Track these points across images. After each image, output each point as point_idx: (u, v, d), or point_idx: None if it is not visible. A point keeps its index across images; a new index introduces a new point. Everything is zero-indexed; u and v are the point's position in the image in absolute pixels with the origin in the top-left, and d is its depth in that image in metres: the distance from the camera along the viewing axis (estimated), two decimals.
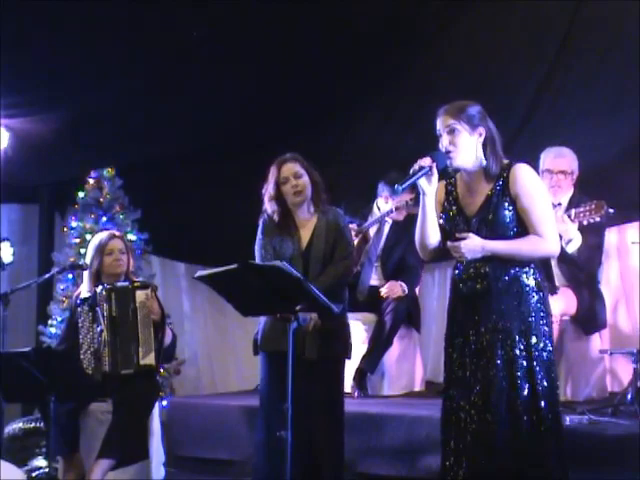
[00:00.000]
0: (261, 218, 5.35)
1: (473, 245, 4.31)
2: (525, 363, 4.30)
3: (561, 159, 6.23)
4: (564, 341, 6.33)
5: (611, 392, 6.64)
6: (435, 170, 4.36)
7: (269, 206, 5.30)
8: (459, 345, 4.40)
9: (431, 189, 4.39)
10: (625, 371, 6.54)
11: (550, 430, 4.28)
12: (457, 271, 4.47)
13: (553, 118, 6.97)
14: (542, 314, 4.39)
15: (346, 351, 5.28)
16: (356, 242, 7.03)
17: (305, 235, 5.28)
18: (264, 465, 5.13)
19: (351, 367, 7.00)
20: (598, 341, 6.53)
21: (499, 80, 6.79)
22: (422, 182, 4.37)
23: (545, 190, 4.52)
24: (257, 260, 5.23)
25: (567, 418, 5.40)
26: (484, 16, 6.75)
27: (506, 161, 4.43)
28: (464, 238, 4.31)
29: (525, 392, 4.28)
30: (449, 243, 4.37)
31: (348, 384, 6.89)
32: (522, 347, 4.31)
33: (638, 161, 6.58)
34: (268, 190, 5.29)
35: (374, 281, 7.18)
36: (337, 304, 5.04)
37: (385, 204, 7.11)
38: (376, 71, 7.07)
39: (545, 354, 4.35)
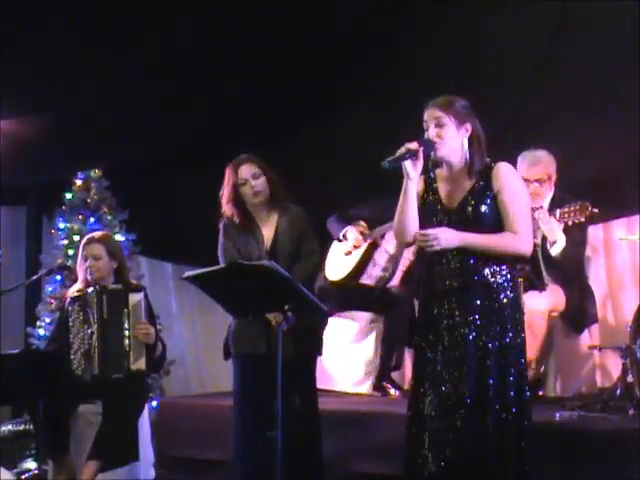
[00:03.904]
0: (221, 222, 5.32)
1: (449, 234, 4.32)
2: (497, 360, 4.31)
3: (536, 167, 6.18)
4: (553, 337, 6.34)
5: (601, 388, 6.65)
6: (421, 155, 4.35)
7: (228, 209, 5.26)
8: (432, 340, 4.41)
9: (415, 174, 4.38)
10: (614, 366, 6.55)
11: (516, 428, 4.29)
12: (431, 267, 4.47)
13: (541, 116, 6.98)
14: (516, 311, 4.42)
15: (318, 349, 5.27)
16: (365, 246, 7.02)
17: (268, 234, 5.26)
18: (248, 468, 5.11)
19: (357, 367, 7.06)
20: (587, 337, 6.54)
21: (487, 78, 6.79)
22: (407, 165, 4.35)
23: (526, 191, 4.55)
24: (221, 264, 5.18)
25: (557, 414, 5.43)
26: (471, 15, 6.75)
27: (488, 160, 4.45)
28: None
29: (495, 389, 4.29)
30: (419, 232, 4.37)
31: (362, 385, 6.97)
32: (496, 344, 4.32)
33: (623, 158, 6.60)
34: (225, 193, 5.26)
35: (368, 280, 7.15)
36: None
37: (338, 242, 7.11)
38: (359, 74, 7.07)
39: (518, 352, 4.36)
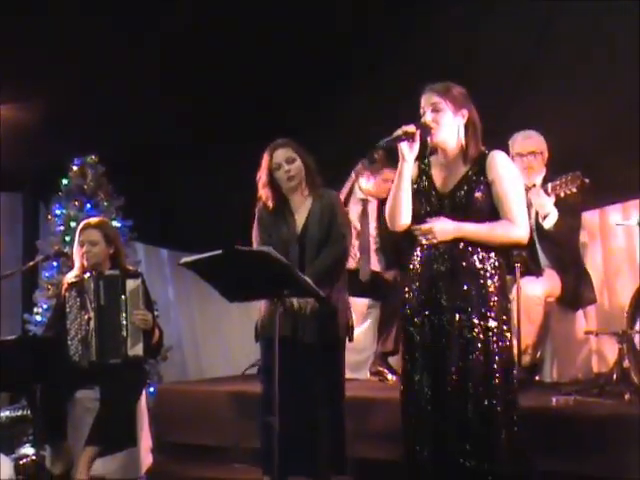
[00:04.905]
0: (257, 206, 5.31)
1: (445, 226, 4.33)
2: (482, 346, 4.30)
3: (529, 140, 6.27)
4: (550, 322, 6.35)
5: (597, 373, 6.68)
6: (418, 139, 4.36)
7: (263, 193, 5.26)
8: (419, 325, 4.40)
9: (411, 156, 4.39)
10: (611, 352, 6.57)
11: (502, 417, 4.28)
12: (419, 252, 4.47)
13: (536, 103, 6.97)
14: (503, 299, 4.41)
15: (346, 333, 5.28)
16: None
17: (300, 219, 5.25)
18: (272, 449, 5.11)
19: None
20: (584, 322, 6.56)
21: (483, 63, 6.79)
22: (403, 147, 4.37)
23: (520, 178, 4.54)
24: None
25: (553, 399, 5.44)
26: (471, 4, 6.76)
27: (483, 148, 4.45)
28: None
29: (480, 376, 4.28)
30: (417, 226, 4.38)
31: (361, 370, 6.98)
32: (480, 330, 4.31)
33: (619, 144, 6.60)
34: (261, 177, 5.25)
35: (352, 264, 7.16)
36: (335, 286, 5.12)
37: (367, 182, 7.07)
38: (362, 56, 7.07)
39: (503, 338, 4.35)
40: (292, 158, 5.21)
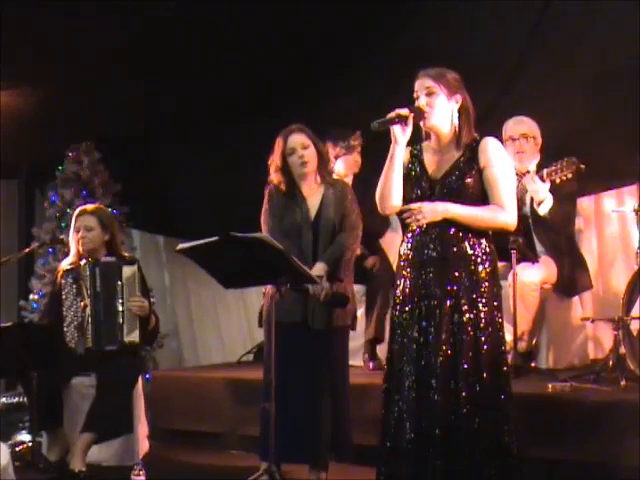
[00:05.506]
0: (267, 189, 5.31)
1: (434, 206, 4.32)
2: (472, 332, 4.30)
3: (521, 124, 6.30)
4: (546, 309, 6.36)
5: (593, 359, 6.69)
6: (411, 122, 4.36)
7: (275, 177, 5.26)
8: (409, 311, 4.40)
9: (403, 139, 4.39)
10: (607, 338, 6.58)
11: (492, 402, 4.28)
12: (410, 237, 4.46)
13: (531, 89, 6.96)
14: (494, 285, 4.41)
15: (352, 322, 5.30)
16: None
17: (313, 206, 5.26)
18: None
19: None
20: (579, 309, 6.57)
21: (479, 49, 6.78)
22: (396, 130, 4.36)
23: (511, 165, 4.55)
24: (264, 231, 5.17)
25: (549, 385, 5.45)
26: None
27: (475, 135, 4.46)
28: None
29: (469, 361, 4.28)
30: (407, 206, 4.38)
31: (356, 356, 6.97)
32: (471, 315, 4.31)
33: (615, 130, 6.60)
34: (274, 161, 5.25)
35: None
36: (346, 274, 5.14)
37: (336, 165, 7.00)
38: (359, 41, 7.06)
39: (494, 324, 4.35)
40: (306, 144, 5.22)
